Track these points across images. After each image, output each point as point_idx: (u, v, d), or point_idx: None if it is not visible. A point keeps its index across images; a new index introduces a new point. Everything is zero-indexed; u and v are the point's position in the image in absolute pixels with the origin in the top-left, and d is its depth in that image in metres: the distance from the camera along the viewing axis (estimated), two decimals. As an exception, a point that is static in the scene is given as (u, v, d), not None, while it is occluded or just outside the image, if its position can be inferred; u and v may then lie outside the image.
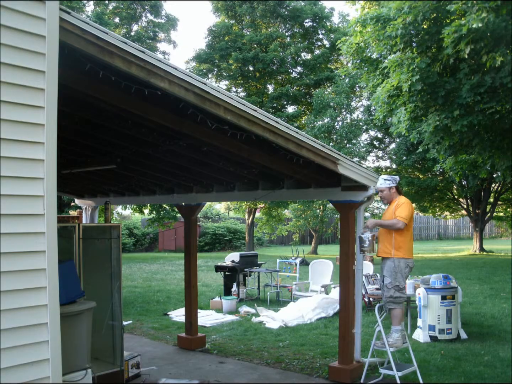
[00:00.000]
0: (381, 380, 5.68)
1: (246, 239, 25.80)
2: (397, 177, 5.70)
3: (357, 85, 20.87)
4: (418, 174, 23.41)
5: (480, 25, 8.17)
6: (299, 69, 25.03)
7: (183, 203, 7.28)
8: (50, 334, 2.74)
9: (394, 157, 23.56)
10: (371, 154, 25.49)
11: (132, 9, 22.63)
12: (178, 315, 9.16)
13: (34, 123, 2.70)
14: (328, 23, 24.62)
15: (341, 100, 20.23)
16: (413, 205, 26.44)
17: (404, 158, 22.06)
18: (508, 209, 26.91)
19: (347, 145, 20.65)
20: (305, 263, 15.55)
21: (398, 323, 5.49)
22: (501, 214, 27.86)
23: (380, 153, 26.21)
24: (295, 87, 24.41)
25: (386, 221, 5.47)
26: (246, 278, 11.72)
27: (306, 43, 24.90)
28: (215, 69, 24.47)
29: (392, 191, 5.60)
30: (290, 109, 25.25)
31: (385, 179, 5.61)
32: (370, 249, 5.45)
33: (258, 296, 11.51)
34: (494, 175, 20.28)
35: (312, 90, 23.60)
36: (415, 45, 10.06)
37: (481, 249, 23.78)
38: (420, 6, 9.38)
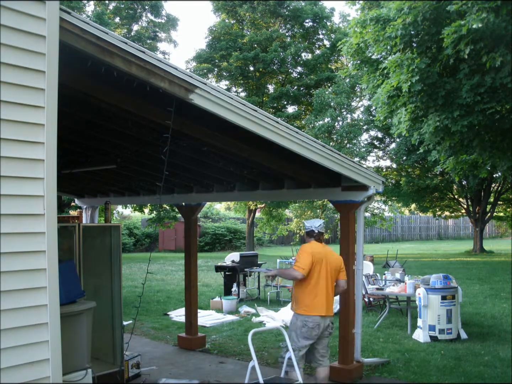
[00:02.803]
0: (381, 380, 5.68)
1: (246, 239, 25.80)
2: (315, 222, 4.98)
3: (357, 85, 20.88)
4: (418, 172, 23.42)
5: (480, 25, 8.16)
6: (299, 69, 25.03)
7: (183, 203, 7.29)
8: (50, 334, 2.73)
9: (394, 157, 23.56)
10: (371, 154, 25.51)
11: (132, 9, 22.64)
12: (178, 315, 9.15)
13: (34, 123, 2.70)
14: (328, 23, 24.62)
15: (342, 100, 20.23)
16: (413, 205, 26.72)
17: (404, 158, 22.06)
18: (508, 209, 26.93)
19: (348, 145, 20.65)
20: (305, 263, 15.53)
21: None
22: (501, 214, 27.89)
23: (380, 153, 26.23)
24: (295, 87, 24.41)
25: (284, 271, 5.47)
26: (246, 278, 11.73)
27: (306, 43, 24.90)
28: (216, 69, 24.49)
29: (305, 235, 5.09)
30: (291, 109, 25.26)
31: (305, 225, 5.10)
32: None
33: (258, 296, 11.52)
34: (494, 175, 20.29)
35: (313, 90, 23.61)
36: (415, 45, 10.05)
37: (481, 249, 23.78)
38: (420, 7, 9.38)
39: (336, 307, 9.03)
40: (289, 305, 9.67)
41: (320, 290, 4.70)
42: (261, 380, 4.32)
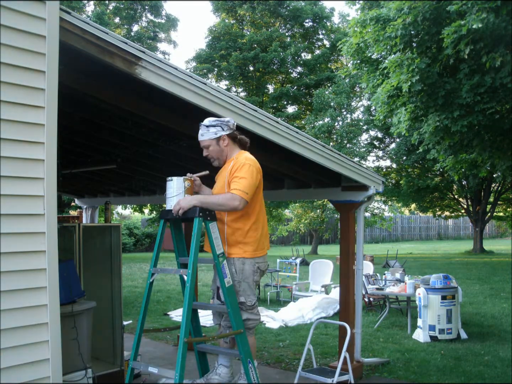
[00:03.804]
0: (381, 380, 5.68)
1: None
2: (230, 120, 3.59)
3: (357, 85, 20.91)
4: (418, 172, 23.45)
5: (480, 25, 8.17)
6: (299, 69, 25.05)
7: (183, 203, 7.27)
8: (50, 334, 2.73)
9: (394, 157, 23.58)
10: (371, 154, 25.53)
11: (132, 9, 22.67)
12: (178, 315, 9.15)
13: (34, 123, 2.70)
14: (328, 23, 24.66)
15: (342, 100, 20.25)
16: (413, 205, 26.71)
17: (404, 158, 22.07)
18: (508, 209, 26.94)
19: (348, 145, 20.66)
20: (305, 263, 15.56)
21: (255, 356, 3.82)
22: (501, 214, 27.90)
23: (380, 153, 26.24)
24: (295, 87, 24.44)
25: (214, 198, 3.41)
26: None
27: (306, 43, 24.93)
28: (215, 69, 24.52)
29: (223, 143, 3.57)
30: (291, 109, 25.28)
31: (208, 125, 3.54)
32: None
33: (258, 296, 11.52)
34: (494, 175, 20.30)
35: (313, 90, 23.64)
36: (415, 45, 10.06)
37: (481, 249, 23.79)
38: (420, 7, 9.39)
39: (336, 307, 9.05)
40: (290, 304, 9.69)
41: (264, 221, 3.71)
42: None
